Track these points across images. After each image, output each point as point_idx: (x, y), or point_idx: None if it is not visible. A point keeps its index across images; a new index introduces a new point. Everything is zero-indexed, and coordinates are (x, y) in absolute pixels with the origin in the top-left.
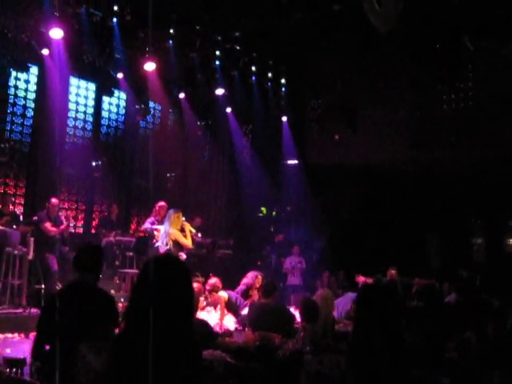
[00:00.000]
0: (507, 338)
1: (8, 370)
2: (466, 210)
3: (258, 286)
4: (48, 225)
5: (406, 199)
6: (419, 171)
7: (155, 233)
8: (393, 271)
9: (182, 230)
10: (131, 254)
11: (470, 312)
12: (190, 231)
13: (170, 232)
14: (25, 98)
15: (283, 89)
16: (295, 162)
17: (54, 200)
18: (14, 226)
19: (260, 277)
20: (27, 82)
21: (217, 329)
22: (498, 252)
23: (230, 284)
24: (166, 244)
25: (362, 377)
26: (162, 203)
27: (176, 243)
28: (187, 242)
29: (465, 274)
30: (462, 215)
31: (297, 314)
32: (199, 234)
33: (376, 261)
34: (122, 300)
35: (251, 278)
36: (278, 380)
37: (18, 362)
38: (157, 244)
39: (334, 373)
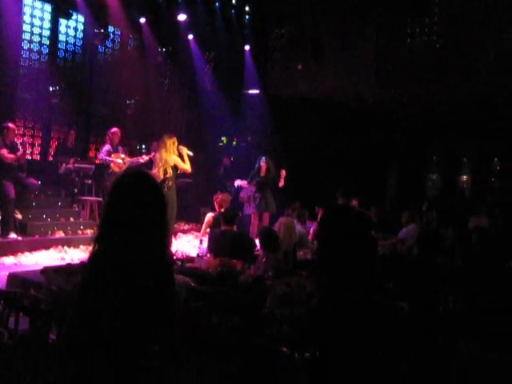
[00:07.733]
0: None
1: None
2: (423, 147)
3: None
4: (5, 151)
5: (368, 133)
6: (383, 105)
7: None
8: (355, 202)
9: (180, 155)
10: (90, 181)
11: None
12: (188, 154)
13: (167, 159)
14: None
15: (247, 17)
16: (257, 91)
17: (11, 125)
18: None
19: None
20: None
21: (178, 255)
22: (452, 188)
23: (189, 212)
24: (165, 171)
25: (328, 300)
26: (114, 129)
27: (174, 169)
28: (186, 166)
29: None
30: (419, 151)
31: (257, 241)
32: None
33: (335, 193)
34: (82, 227)
35: None
36: (241, 304)
37: None
38: (153, 171)
39: (301, 295)
